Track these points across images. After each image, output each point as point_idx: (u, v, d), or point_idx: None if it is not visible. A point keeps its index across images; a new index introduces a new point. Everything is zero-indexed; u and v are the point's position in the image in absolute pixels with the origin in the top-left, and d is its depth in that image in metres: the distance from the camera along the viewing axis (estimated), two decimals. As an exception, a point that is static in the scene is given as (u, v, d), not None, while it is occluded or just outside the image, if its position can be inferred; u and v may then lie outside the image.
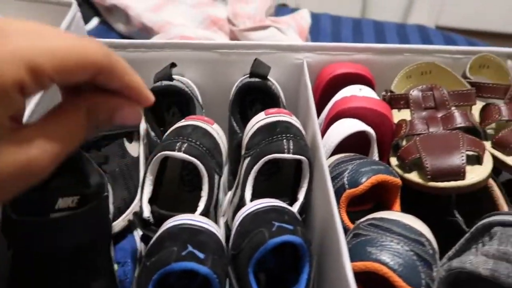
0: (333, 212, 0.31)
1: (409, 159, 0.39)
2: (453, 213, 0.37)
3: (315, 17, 0.96)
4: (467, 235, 0.34)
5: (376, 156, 0.44)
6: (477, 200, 0.40)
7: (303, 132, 0.40)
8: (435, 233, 0.36)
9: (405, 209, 0.39)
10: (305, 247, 0.30)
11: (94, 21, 0.92)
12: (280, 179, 0.42)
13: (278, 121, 0.38)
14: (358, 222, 0.36)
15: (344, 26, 0.95)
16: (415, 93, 0.44)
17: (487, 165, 0.37)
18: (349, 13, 2.65)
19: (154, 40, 0.69)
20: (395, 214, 0.34)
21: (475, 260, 0.30)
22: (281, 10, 0.97)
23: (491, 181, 0.39)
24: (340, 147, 0.42)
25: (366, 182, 0.37)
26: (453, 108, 0.41)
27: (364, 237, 0.32)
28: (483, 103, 0.45)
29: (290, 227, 0.30)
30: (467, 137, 0.38)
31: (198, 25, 0.79)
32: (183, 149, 0.35)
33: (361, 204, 0.42)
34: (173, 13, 0.81)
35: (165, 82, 0.42)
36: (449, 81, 0.46)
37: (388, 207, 0.40)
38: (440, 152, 0.37)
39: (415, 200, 0.40)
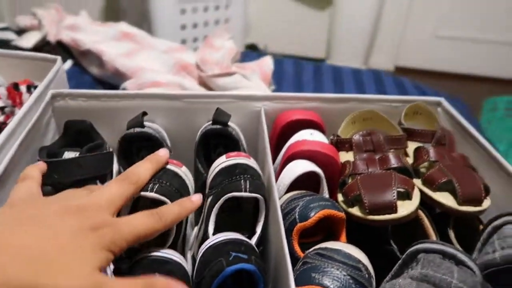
0: (283, 244, 0.37)
1: (351, 195, 0.45)
2: (390, 242, 0.43)
3: (279, 62, 1.05)
4: (400, 261, 0.39)
5: (326, 193, 0.50)
6: (412, 230, 0.46)
7: (260, 172, 0.45)
8: (375, 259, 0.41)
9: (350, 239, 0.45)
10: (259, 274, 0.35)
11: (68, 63, 0.97)
12: (241, 215, 0.47)
13: (237, 163, 0.44)
14: (307, 252, 0.41)
15: (305, 70, 1.03)
16: (356, 137, 0.50)
17: (415, 200, 0.43)
18: (314, 54, 2.81)
19: (127, 90, 0.74)
20: (338, 244, 0.40)
21: (403, 283, 0.35)
22: (248, 53, 1.05)
23: (421, 213, 0.45)
24: (295, 185, 0.48)
25: (314, 216, 0.42)
26: (388, 151, 0.48)
27: (310, 265, 0.37)
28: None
29: (245, 256, 0.35)
30: (398, 176, 0.45)
31: (168, 70, 0.85)
32: (154, 189, 0.39)
33: (313, 236, 0.48)
34: (146, 58, 0.87)
35: (137, 129, 0.47)
36: (386, 126, 0.54)
37: (335, 238, 0.45)
38: (376, 190, 0.43)
39: (358, 231, 0.46)
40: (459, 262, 0.35)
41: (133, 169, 0.39)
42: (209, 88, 0.81)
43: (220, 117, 0.49)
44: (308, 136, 0.52)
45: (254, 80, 0.81)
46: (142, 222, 0.33)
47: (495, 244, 0.39)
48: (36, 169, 0.40)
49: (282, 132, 0.55)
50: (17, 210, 0.32)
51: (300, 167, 0.47)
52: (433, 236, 0.44)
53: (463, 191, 0.43)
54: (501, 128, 1.82)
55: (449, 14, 2.56)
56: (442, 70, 2.76)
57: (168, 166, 0.43)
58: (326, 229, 0.48)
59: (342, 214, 0.44)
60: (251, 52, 1.07)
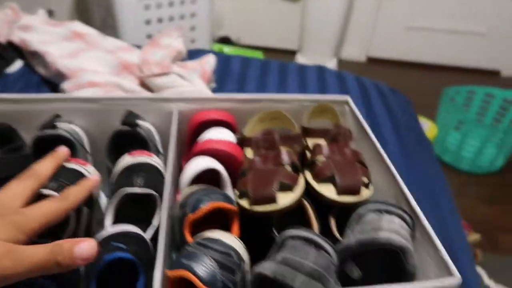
0: (161, 233, 0.41)
1: (241, 189, 0.49)
2: (273, 231, 0.48)
3: (227, 59, 1.08)
4: (273, 246, 0.44)
5: (228, 188, 0.54)
6: (298, 220, 0.51)
7: (161, 169, 0.49)
8: (263, 247, 0.46)
9: (245, 230, 0.50)
10: (138, 263, 0.40)
11: (18, 63, 0.99)
12: (142, 208, 0.51)
13: (138, 162, 0.48)
14: (195, 238, 0.45)
15: (252, 67, 1.07)
16: (256, 137, 0.55)
17: (297, 192, 0.48)
18: (287, 46, 2.84)
19: (57, 92, 0.77)
20: (218, 234, 0.44)
21: (266, 266, 0.40)
22: (196, 52, 1.08)
23: (306, 204, 0.50)
24: (202, 182, 0.53)
25: (203, 208, 0.46)
26: (281, 148, 0.53)
27: (186, 252, 0.42)
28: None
29: (124, 246, 0.39)
30: (284, 171, 0.49)
31: (111, 70, 0.89)
32: (48, 186, 0.43)
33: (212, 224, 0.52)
34: (89, 59, 0.90)
35: (47, 130, 0.51)
36: (290, 125, 0.58)
37: (229, 229, 0.50)
38: (261, 184, 0.48)
39: (253, 222, 0.51)
40: (318, 246, 0.41)
41: (34, 166, 0.44)
42: (149, 88, 0.84)
43: (129, 119, 0.53)
44: (216, 135, 0.57)
45: (193, 78, 0.85)
46: (49, 205, 0.38)
47: (354, 230, 0.44)
48: None
49: (195, 132, 0.59)
50: None
51: (200, 164, 0.51)
52: (314, 224, 0.49)
53: (341, 183, 0.48)
54: (458, 118, 1.88)
55: (419, 5, 2.61)
56: (412, 60, 2.82)
57: (71, 165, 0.47)
58: (222, 221, 0.52)
59: (232, 207, 0.48)
60: (200, 50, 1.10)
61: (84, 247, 0.34)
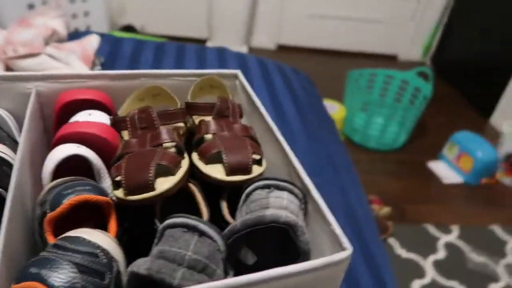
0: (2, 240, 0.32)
1: (114, 177, 0.42)
2: (155, 222, 0.41)
3: (118, 41, 0.98)
4: (155, 240, 0.37)
5: (105, 179, 0.46)
6: (185, 206, 0.45)
7: (11, 162, 0.40)
8: (147, 240, 0.39)
9: (124, 224, 0.42)
10: None
11: None
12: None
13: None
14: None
15: (146, 50, 0.98)
16: (131, 115, 0.47)
17: (178, 175, 0.41)
18: (196, 34, 2.75)
19: None
20: (81, 231, 0.36)
21: (140, 263, 0.33)
22: (80, 35, 0.96)
23: (193, 188, 0.44)
24: (71, 174, 0.44)
25: (65, 203, 0.38)
26: (161, 127, 0.46)
27: (37, 258, 0.34)
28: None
29: None
30: (162, 153, 0.42)
31: (-32, 53, 0.74)
32: None
33: (83, 223, 0.44)
34: None
35: None
36: (172, 103, 0.51)
37: (105, 224, 0.42)
38: (137, 169, 0.40)
39: (130, 214, 0.43)
40: (201, 233, 0.35)
41: None
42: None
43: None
44: (85, 117, 0.48)
45: (71, 60, 0.74)
46: None
47: (242, 211, 0.39)
48: None
49: (62, 116, 0.50)
50: None
51: (61, 152, 0.43)
52: (203, 210, 0.43)
53: (229, 161, 0.43)
54: (363, 99, 1.96)
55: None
56: (318, 47, 2.90)
57: None
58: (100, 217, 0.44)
59: (104, 198, 0.40)
60: (88, 33, 0.98)
61: None
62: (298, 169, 0.41)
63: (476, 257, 1.46)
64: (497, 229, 1.60)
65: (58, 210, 0.38)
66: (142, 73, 0.54)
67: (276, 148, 0.47)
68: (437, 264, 1.43)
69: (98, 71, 0.52)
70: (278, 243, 0.41)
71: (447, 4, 2.72)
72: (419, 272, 1.40)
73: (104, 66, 0.85)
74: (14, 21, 1.47)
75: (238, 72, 0.58)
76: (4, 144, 0.44)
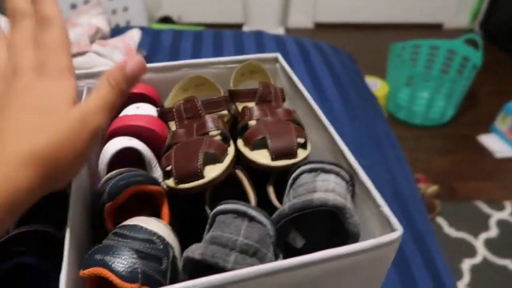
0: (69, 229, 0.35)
1: (166, 167, 0.43)
2: (206, 209, 0.43)
3: (156, 33, 1.00)
4: (207, 226, 0.39)
5: (156, 169, 0.48)
6: (233, 193, 0.46)
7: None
8: (198, 227, 0.41)
9: (175, 212, 0.44)
10: (44, 266, 0.34)
11: None
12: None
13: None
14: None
15: (184, 39, 1.00)
16: (177, 106, 0.49)
17: (225, 163, 0.42)
18: (232, 19, 2.76)
19: None
20: (137, 220, 0.39)
21: (194, 248, 0.35)
22: (122, 30, 0.99)
23: (240, 174, 0.45)
24: (124, 166, 0.46)
25: (123, 193, 0.40)
26: (206, 116, 0.47)
27: (100, 246, 0.36)
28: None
29: (25, 249, 0.33)
30: (210, 141, 0.43)
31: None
32: None
33: (140, 213, 0.46)
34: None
35: None
36: (215, 91, 0.52)
37: (159, 212, 0.44)
38: (186, 158, 0.42)
39: (186, 201, 0.45)
40: (251, 218, 0.35)
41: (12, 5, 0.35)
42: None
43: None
44: (134, 111, 0.50)
45: (115, 56, 0.77)
46: (52, 35, 0.33)
47: (289, 195, 0.39)
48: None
49: (111, 111, 0.52)
50: None
51: (114, 145, 0.45)
52: (251, 195, 0.44)
53: (273, 146, 0.43)
54: (407, 73, 1.89)
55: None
56: (357, 21, 2.81)
57: None
58: (155, 205, 0.47)
59: (156, 188, 0.42)
60: (128, 28, 1.01)
61: (132, 64, 0.34)
62: (344, 150, 0.41)
63: (532, 233, 1.40)
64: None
65: (116, 200, 0.40)
66: (183, 64, 0.55)
67: (320, 130, 0.47)
68: (489, 243, 1.38)
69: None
70: (327, 226, 0.42)
71: (495, -35, 2.54)
72: (470, 251, 1.35)
73: (146, 59, 0.88)
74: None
75: (278, 55, 0.58)
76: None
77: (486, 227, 1.43)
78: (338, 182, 0.38)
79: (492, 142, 1.83)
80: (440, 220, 1.46)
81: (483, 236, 1.40)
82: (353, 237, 0.37)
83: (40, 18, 0.33)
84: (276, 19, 2.64)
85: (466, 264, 1.32)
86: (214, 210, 0.38)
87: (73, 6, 1.58)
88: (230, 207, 0.37)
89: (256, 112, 0.48)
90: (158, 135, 0.48)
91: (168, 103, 0.53)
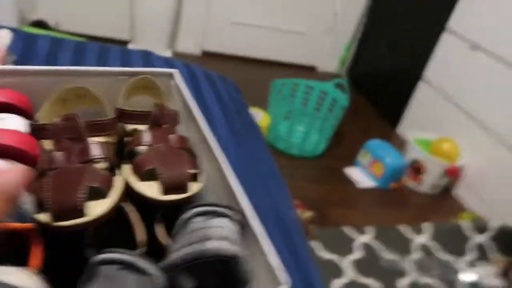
0: None
1: (37, 198, 0.37)
2: (85, 251, 0.37)
3: (31, 38, 0.90)
4: (83, 276, 0.33)
5: (25, 195, 0.41)
6: (120, 229, 0.42)
7: None
8: (76, 268, 0.35)
9: (50, 249, 0.38)
10: None
11: None
12: None
13: None
14: None
15: (64, 49, 0.91)
16: (54, 124, 0.42)
17: (112, 197, 0.38)
18: (119, 35, 2.63)
19: None
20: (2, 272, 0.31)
21: None
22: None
23: (129, 208, 0.41)
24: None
25: None
26: (91, 139, 0.42)
27: None
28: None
29: None
30: (93, 170, 0.39)
31: None
32: None
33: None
34: None
35: None
36: (98, 104, 0.48)
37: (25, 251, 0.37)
38: (65, 191, 0.36)
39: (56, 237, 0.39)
40: (139, 270, 0.32)
41: None
42: None
43: None
44: (-4, 124, 0.43)
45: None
46: None
47: (181, 240, 0.36)
48: None
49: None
50: None
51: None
52: (140, 233, 0.40)
53: (165, 179, 0.40)
54: (286, 108, 2.03)
55: (243, 3, 2.72)
56: (243, 55, 2.94)
57: None
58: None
59: (25, 226, 0.36)
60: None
61: None
62: (236, 191, 0.40)
63: (387, 255, 1.58)
64: (403, 228, 1.75)
65: None
66: (65, 70, 0.49)
67: (210, 157, 0.46)
68: (355, 264, 1.52)
69: (13, 66, 0.47)
70: (219, 271, 0.40)
71: (361, 19, 2.93)
72: (339, 272, 1.48)
73: (16, 64, 0.78)
74: None
75: (174, 71, 0.55)
76: None
77: (351, 250, 1.58)
78: (231, 227, 0.37)
79: (355, 174, 2.05)
80: (316, 244, 1.57)
81: (350, 257, 1.54)
82: (243, 285, 0.36)
83: None
84: (164, 41, 2.60)
85: (336, 284, 1.43)
86: (96, 259, 0.32)
87: None
88: (115, 257, 0.32)
89: (147, 137, 0.45)
90: (29, 156, 0.41)
91: (42, 115, 0.46)
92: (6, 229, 0.34)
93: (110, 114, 0.47)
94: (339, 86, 2.14)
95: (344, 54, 3.06)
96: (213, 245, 0.34)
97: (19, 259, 0.35)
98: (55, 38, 0.94)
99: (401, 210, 1.91)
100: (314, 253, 1.53)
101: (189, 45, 2.82)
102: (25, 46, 0.84)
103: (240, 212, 0.39)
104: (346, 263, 1.52)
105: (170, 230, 0.41)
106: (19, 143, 0.41)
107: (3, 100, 0.45)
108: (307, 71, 3.06)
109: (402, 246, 1.66)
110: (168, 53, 2.63)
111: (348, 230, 1.68)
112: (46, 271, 0.34)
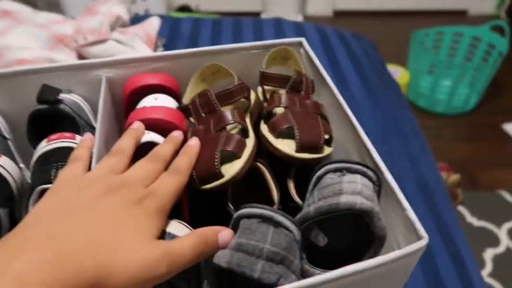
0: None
1: None
2: (228, 205, 0.42)
3: (176, 21, 1.00)
4: (230, 227, 0.36)
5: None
6: (255, 185, 0.45)
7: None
8: (220, 222, 0.40)
9: (198, 206, 0.44)
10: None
11: None
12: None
13: (55, 149, 0.40)
14: None
15: (203, 27, 0.99)
16: (193, 102, 0.48)
17: (244, 157, 0.41)
18: (250, 8, 2.73)
19: None
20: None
21: (220, 254, 0.33)
22: (141, 18, 0.99)
23: (261, 167, 0.44)
24: (140, 157, 0.45)
25: None
26: (223, 108, 0.46)
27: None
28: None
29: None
30: (226, 137, 0.42)
31: (43, 44, 0.79)
32: None
33: None
34: (18, 35, 0.81)
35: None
36: (230, 77, 0.51)
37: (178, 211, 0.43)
38: (204, 159, 0.41)
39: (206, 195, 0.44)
40: (276, 224, 0.34)
41: (157, 149, 0.40)
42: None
43: (44, 95, 0.45)
44: (151, 102, 0.49)
45: (136, 44, 0.77)
46: (171, 182, 0.36)
47: (314, 195, 0.37)
48: (86, 149, 0.40)
49: (130, 102, 0.52)
50: (60, 197, 0.31)
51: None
52: (274, 191, 0.43)
53: (301, 138, 0.42)
54: (429, 61, 1.84)
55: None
56: (378, 9, 2.74)
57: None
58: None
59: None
60: (147, 16, 1.01)
61: (226, 234, 0.33)
62: (370, 150, 0.40)
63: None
64: None
65: None
66: (201, 51, 0.54)
67: (344, 123, 0.46)
68: (513, 232, 1.35)
69: (161, 53, 0.53)
70: (352, 228, 0.41)
71: None
72: (493, 241, 1.33)
73: (165, 47, 0.88)
74: (79, 11, 1.57)
75: (303, 39, 0.56)
76: (84, 132, 0.47)
77: (509, 217, 1.40)
78: (365, 182, 0.36)
79: (517, 131, 1.78)
80: (462, 209, 1.43)
81: (507, 226, 1.37)
82: (379, 240, 0.35)
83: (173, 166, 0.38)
84: (294, 6, 2.59)
85: (489, 254, 1.29)
86: (238, 213, 0.35)
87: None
88: (255, 212, 0.34)
89: (285, 100, 0.47)
90: (177, 127, 0.47)
91: (187, 97, 0.52)
92: None
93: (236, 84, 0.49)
94: (496, 29, 1.83)
95: (503, -10, 2.60)
96: (345, 200, 0.34)
97: (174, 215, 0.41)
98: (195, 19, 1.02)
99: None
100: (463, 220, 1.40)
101: (320, 6, 2.76)
102: (171, 29, 0.94)
103: (374, 169, 0.38)
104: (502, 231, 1.35)
105: (301, 191, 0.42)
106: (169, 117, 0.47)
107: (156, 82, 0.51)
108: (455, 16, 2.70)
109: None
110: (299, 18, 2.62)
111: (505, 195, 1.48)
112: (196, 225, 0.39)
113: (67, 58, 0.75)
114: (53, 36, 0.80)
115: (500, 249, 1.30)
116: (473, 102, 1.90)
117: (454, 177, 1.52)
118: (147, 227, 0.31)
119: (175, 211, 0.42)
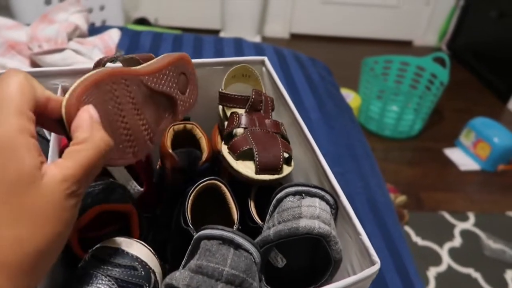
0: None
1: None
2: (188, 224, 0.41)
3: (136, 35, 0.99)
4: (188, 250, 0.36)
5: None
6: (216, 207, 0.45)
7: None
8: (178, 242, 0.39)
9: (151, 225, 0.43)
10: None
11: None
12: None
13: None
14: (89, 251, 0.36)
15: (164, 42, 0.99)
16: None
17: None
18: (210, 25, 2.75)
19: None
20: (119, 242, 0.37)
21: (179, 276, 0.32)
22: (99, 29, 0.97)
23: (223, 188, 0.44)
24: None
25: (86, 214, 0.39)
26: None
27: (78, 273, 0.34)
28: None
29: None
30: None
31: (-6, 50, 0.76)
32: None
33: (108, 226, 0.44)
34: (-35, 39, 0.77)
35: None
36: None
37: (128, 227, 0.43)
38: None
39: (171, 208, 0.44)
40: (237, 246, 0.34)
41: None
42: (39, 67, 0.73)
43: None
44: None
45: (94, 55, 0.76)
46: None
47: (274, 218, 0.38)
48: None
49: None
50: None
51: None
52: (233, 209, 0.43)
53: (260, 160, 0.43)
54: (378, 87, 1.95)
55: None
56: (332, 34, 2.87)
57: None
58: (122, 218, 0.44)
59: (124, 206, 0.41)
60: (107, 27, 0.99)
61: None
62: (328, 173, 0.41)
63: (492, 244, 1.46)
64: (514, 216, 1.59)
65: (81, 219, 0.38)
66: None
67: (302, 144, 0.47)
68: (453, 252, 1.43)
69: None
70: (309, 250, 0.42)
71: (464, -13, 2.66)
72: (435, 260, 1.40)
73: (124, 60, 0.86)
74: (30, 16, 1.51)
75: (265, 58, 0.57)
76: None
77: (450, 237, 1.49)
78: (323, 207, 0.38)
79: (456, 155, 1.91)
80: (408, 229, 1.51)
81: (448, 245, 1.46)
82: (335, 263, 0.36)
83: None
84: (253, 27, 2.65)
85: (432, 272, 1.36)
86: (198, 234, 0.35)
87: (48, 2, 1.53)
88: (215, 234, 0.34)
89: (245, 120, 0.48)
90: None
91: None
92: (108, 209, 0.40)
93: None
94: (438, 60, 1.98)
95: (445, 25, 2.82)
96: (305, 224, 0.35)
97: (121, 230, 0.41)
98: (156, 33, 1.02)
99: (511, 195, 1.73)
100: (408, 239, 1.47)
101: (277, 28, 2.84)
102: (131, 42, 0.93)
103: (332, 193, 0.39)
104: (444, 250, 1.44)
105: (261, 210, 0.43)
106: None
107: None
108: (402, 46, 2.89)
109: (511, 235, 1.51)
110: (257, 39, 2.68)
111: (446, 216, 1.57)
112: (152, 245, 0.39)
113: (20, 65, 0.72)
114: (5, 41, 0.77)
115: (442, 267, 1.38)
116: (418, 127, 2.02)
117: (401, 198, 1.60)
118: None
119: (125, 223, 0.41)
